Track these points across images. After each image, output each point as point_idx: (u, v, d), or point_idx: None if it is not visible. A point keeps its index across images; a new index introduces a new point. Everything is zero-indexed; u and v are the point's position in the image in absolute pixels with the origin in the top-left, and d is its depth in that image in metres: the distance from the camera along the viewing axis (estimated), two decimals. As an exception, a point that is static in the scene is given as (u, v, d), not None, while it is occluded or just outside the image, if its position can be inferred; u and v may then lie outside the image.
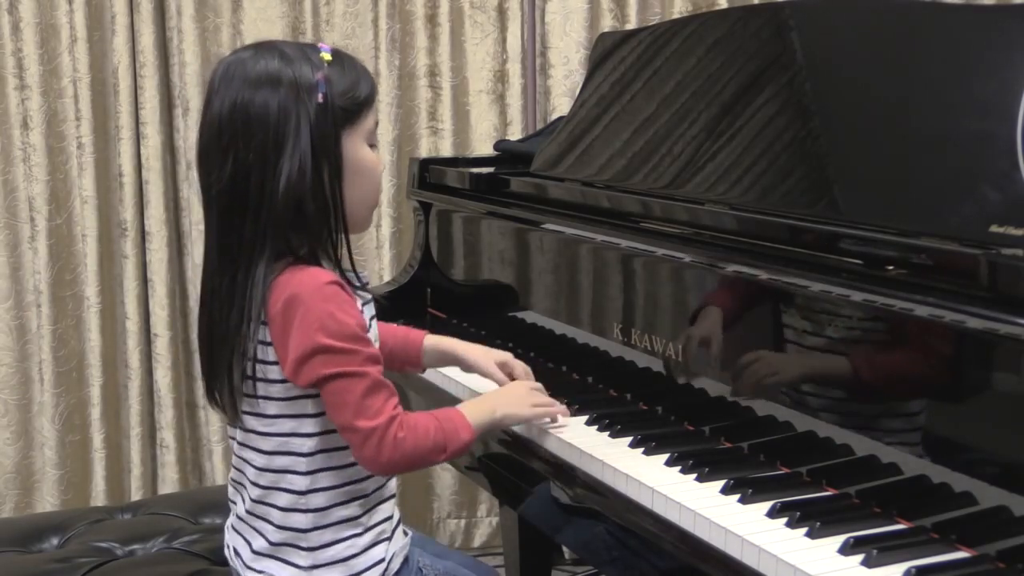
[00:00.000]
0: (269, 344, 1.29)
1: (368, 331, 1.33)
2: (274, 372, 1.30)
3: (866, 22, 1.53)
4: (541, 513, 1.63)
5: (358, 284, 1.34)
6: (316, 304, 1.26)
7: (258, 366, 1.30)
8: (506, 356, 1.62)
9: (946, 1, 1.63)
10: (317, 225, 1.29)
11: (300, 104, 1.27)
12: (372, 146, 1.36)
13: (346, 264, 1.34)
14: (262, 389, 1.30)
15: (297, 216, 1.28)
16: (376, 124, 1.37)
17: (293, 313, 1.26)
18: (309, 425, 1.31)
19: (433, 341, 1.63)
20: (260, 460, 1.33)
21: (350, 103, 1.31)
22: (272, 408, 1.31)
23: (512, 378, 1.58)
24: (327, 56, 1.31)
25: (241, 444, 1.36)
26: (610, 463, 1.40)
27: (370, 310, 1.37)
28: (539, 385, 1.56)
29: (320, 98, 1.28)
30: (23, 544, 1.78)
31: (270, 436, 1.32)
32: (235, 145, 1.27)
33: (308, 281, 1.27)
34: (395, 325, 1.64)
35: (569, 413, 1.55)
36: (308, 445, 1.32)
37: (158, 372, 2.82)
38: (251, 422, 1.33)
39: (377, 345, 1.35)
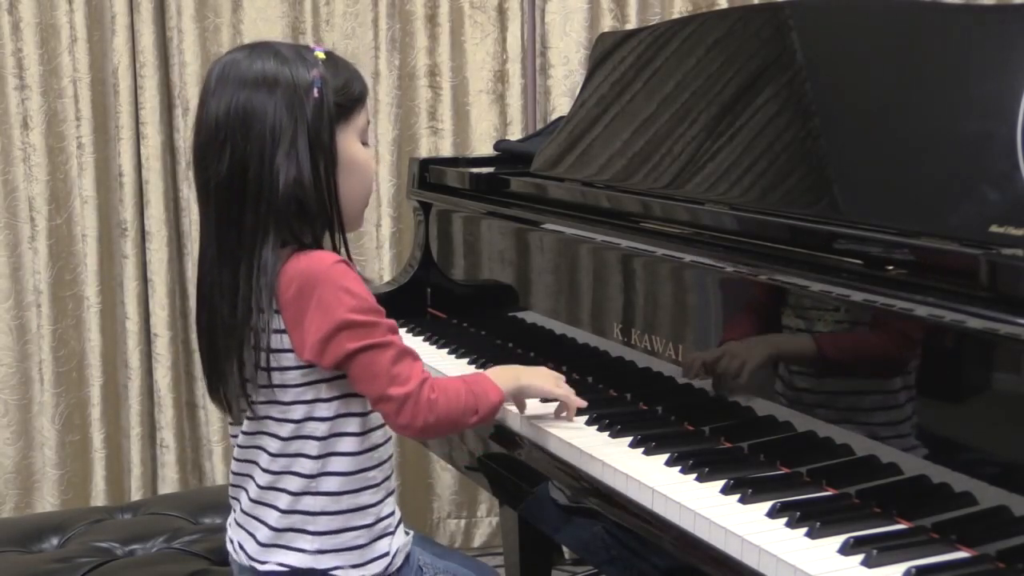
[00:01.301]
0: (283, 332, 1.30)
1: None
2: (289, 359, 1.31)
3: (866, 22, 1.53)
4: (541, 513, 1.63)
5: (359, 272, 1.36)
6: (331, 282, 1.28)
7: (272, 356, 1.31)
8: None
9: (946, 1, 1.63)
10: (316, 221, 1.32)
11: (297, 102, 1.29)
12: (365, 144, 1.39)
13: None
14: (277, 378, 1.32)
15: (297, 211, 1.30)
16: (368, 123, 1.40)
17: (309, 295, 1.28)
18: (323, 409, 1.33)
19: None
20: (275, 446, 1.34)
21: (344, 99, 1.34)
22: (288, 395, 1.32)
23: None
24: (321, 55, 1.34)
25: (251, 434, 1.36)
26: (610, 463, 1.40)
27: None
28: (559, 376, 1.57)
29: (316, 94, 1.30)
30: (23, 544, 1.78)
31: (286, 422, 1.33)
32: (232, 140, 1.29)
33: (317, 262, 1.29)
34: None
35: (581, 405, 1.55)
36: (322, 429, 1.33)
37: (158, 372, 2.82)
38: (265, 410, 1.33)
39: None
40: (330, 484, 1.34)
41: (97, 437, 2.82)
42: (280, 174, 1.28)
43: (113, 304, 2.84)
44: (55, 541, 1.80)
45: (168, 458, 2.85)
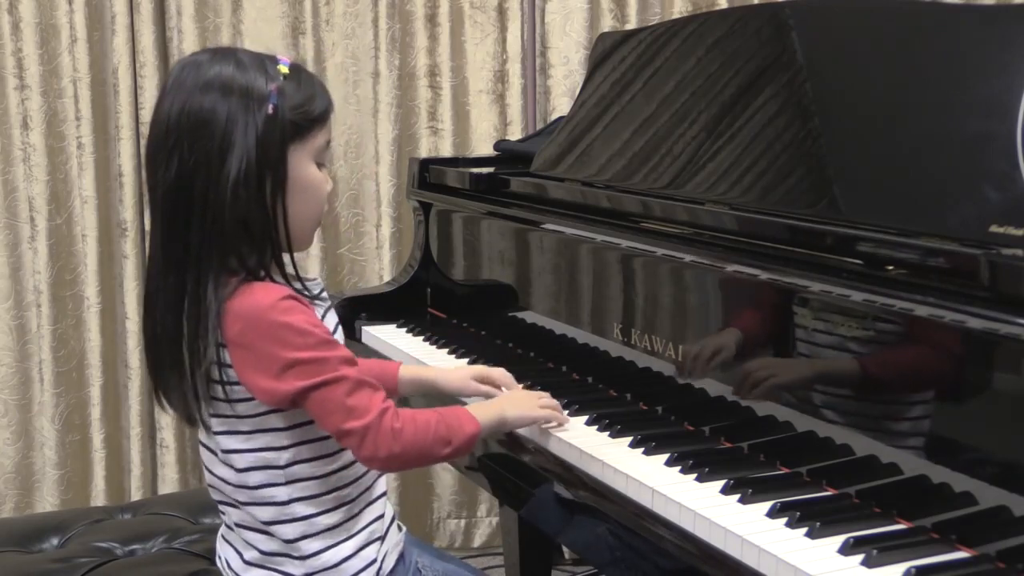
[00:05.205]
0: (231, 366, 1.27)
1: (333, 335, 1.32)
2: (240, 391, 1.28)
3: (866, 22, 1.53)
4: (541, 513, 1.63)
5: (310, 295, 1.32)
6: (273, 321, 1.24)
7: (227, 387, 1.28)
8: (482, 370, 1.63)
9: (946, 1, 1.63)
10: (261, 238, 1.27)
11: (249, 113, 1.24)
12: (321, 165, 1.34)
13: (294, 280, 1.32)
14: (233, 408, 1.29)
15: (243, 227, 1.26)
16: (328, 143, 1.35)
17: (252, 336, 1.24)
18: (283, 438, 1.31)
19: (409, 372, 1.62)
20: (234, 477, 1.32)
21: (301, 118, 1.29)
22: (245, 425, 1.30)
23: (491, 382, 1.60)
24: (284, 69, 1.29)
25: (214, 461, 1.35)
26: (610, 463, 1.40)
27: (332, 317, 1.36)
28: (540, 393, 1.56)
29: (270, 109, 1.25)
30: (23, 544, 1.78)
31: (245, 452, 1.31)
32: (180, 146, 1.24)
33: (262, 299, 1.25)
34: (369, 360, 1.61)
35: (568, 421, 1.54)
36: (284, 457, 1.31)
37: (158, 372, 2.82)
38: (226, 441, 1.31)
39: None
40: (303, 509, 1.32)
41: (97, 437, 2.83)
42: (227, 187, 1.23)
43: (113, 304, 2.84)
44: (55, 541, 1.80)
45: (168, 458, 2.85)
